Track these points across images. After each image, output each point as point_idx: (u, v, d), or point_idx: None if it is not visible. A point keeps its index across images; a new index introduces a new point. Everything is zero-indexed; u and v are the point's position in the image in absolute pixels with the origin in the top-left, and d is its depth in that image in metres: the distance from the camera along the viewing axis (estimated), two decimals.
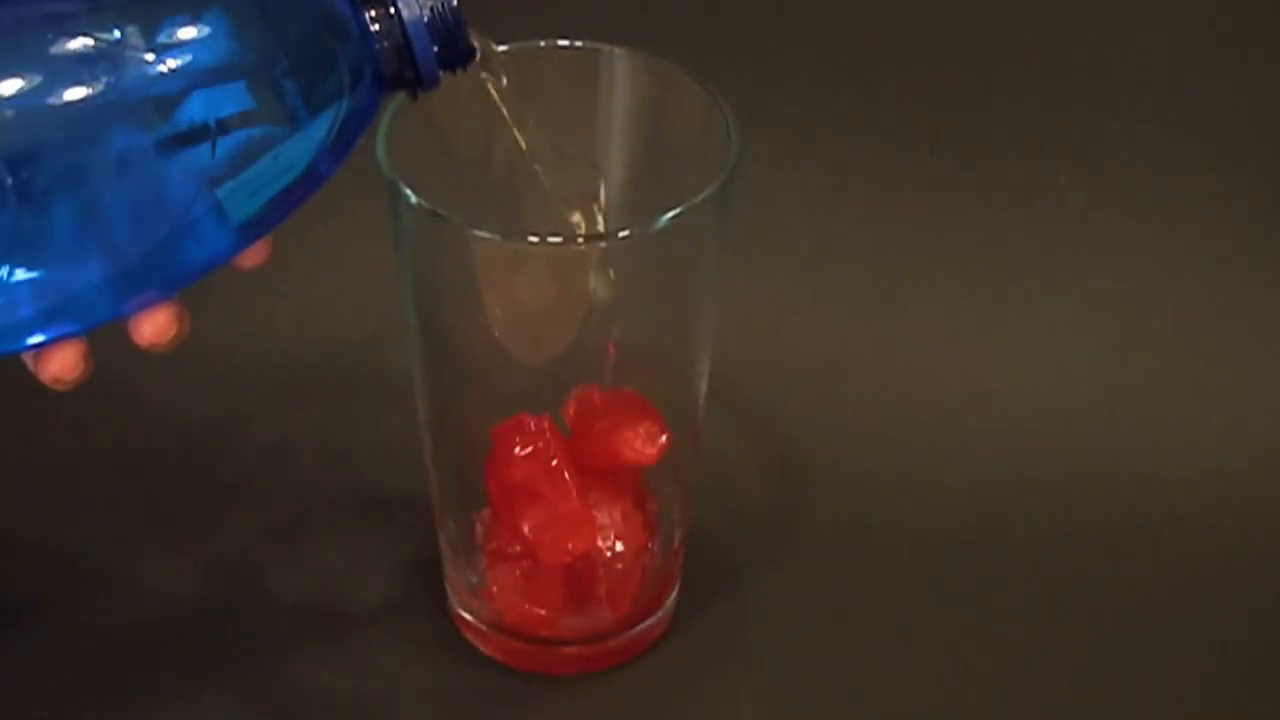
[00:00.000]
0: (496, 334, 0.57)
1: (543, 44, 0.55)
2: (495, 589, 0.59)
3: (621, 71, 0.56)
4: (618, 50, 0.56)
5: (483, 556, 0.59)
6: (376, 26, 0.47)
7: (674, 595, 0.62)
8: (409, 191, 0.51)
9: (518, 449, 0.56)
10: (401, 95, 0.51)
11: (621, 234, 0.52)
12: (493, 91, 0.52)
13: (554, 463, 0.56)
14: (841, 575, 0.64)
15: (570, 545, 0.56)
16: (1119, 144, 0.74)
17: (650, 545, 0.59)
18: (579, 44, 0.56)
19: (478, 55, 0.50)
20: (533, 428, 0.56)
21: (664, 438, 0.56)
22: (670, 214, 0.51)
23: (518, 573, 0.58)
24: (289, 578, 0.63)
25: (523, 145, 0.53)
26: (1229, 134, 0.74)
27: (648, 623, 0.61)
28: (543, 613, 0.58)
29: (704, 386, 0.58)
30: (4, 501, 0.65)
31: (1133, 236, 0.74)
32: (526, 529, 0.56)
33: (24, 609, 0.62)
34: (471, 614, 0.60)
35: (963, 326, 0.73)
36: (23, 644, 0.60)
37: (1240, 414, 0.70)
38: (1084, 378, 0.71)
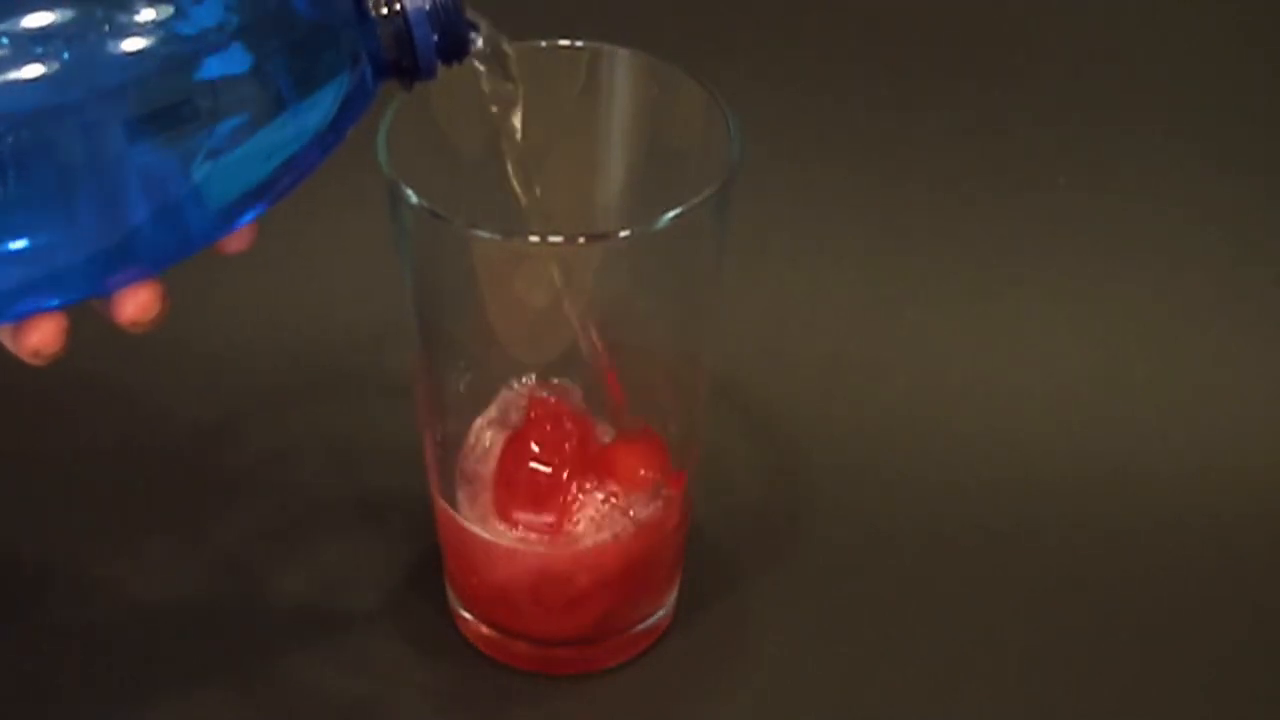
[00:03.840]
0: (497, 334, 0.57)
1: (543, 44, 0.55)
2: (489, 583, 0.59)
3: (622, 71, 0.56)
4: (618, 50, 0.56)
5: (479, 551, 0.59)
6: (376, 12, 0.47)
7: (674, 595, 0.62)
8: (409, 192, 0.51)
9: (539, 445, 0.56)
10: (402, 98, 0.51)
11: (621, 234, 0.52)
12: (486, 85, 0.52)
13: (566, 474, 0.56)
14: (842, 575, 0.64)
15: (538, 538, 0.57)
16: (1119, 144, 0.74)
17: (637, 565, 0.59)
18: (579, 44, 0.56)
19: (477, 46, 0.50)
20: (568, 427, 0.56)
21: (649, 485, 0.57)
22: (670, 214, 0.51)
23: (507, 568, 0.58)
24: (289, 578, 0.63)
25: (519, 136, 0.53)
26: (1229, 134, 0.74)
27: (648, 623, 0.61)
28: (525, 611, 0.59)
29: (704, 386, 0.58)
30: (3, 500, 0.65)
31: (1133, 237, 0.74)
32: (517, 518, 0.56)
33: (23, 607, 0.62)
34: (471, 614, 0.60)
35: (963, 326, 0.73)
36: (21, 642, 0.60)
37: (1240, 414, 0.70)
38: (1084, 378, 0.71)
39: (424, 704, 0.60)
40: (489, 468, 0.57)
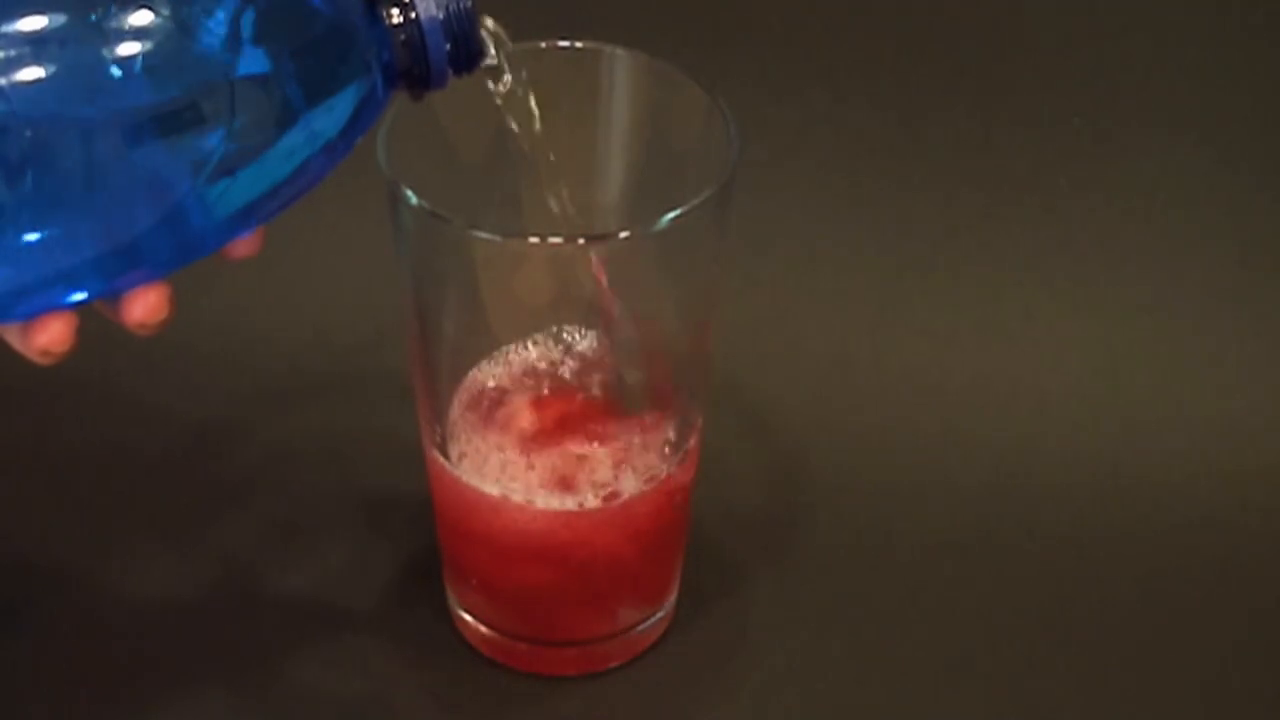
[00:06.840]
0: (496, 333, 0.57)
1: (543, 44, 0.55)
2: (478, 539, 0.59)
3: (622, 72, 0.56)
4: (618, 51, 0.56)
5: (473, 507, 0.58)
6: (390, 22, 0.47)
7: (674, 595, 0.62)
8: (409, 192, 0.51)
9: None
10: (402, 99, 0.51)
11: (622, 235, 0.52)
12: (498, 88, 0.52)
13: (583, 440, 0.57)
14: (842, 575, 0.64)
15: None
16: (1120, 146, 0.74)
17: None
18: (579, 44, 0.56)
19: (489, 53, 0.50)
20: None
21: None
22: (670, 215, 0.51)
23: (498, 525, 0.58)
24: (289, 578, 0.63)
25: (527, 146, 0.53)
26: (1230, 135, 0.74)
27: (648, 623, 0.61)
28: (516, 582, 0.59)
29: (705, 387, 0.58)
30: (3, 501, 0.65)
31: (1133, 238, 0.74)
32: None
33: (23, 609, 0.62)
34: (471, 614, 0.60)
35: (964, 327, 0.73)
36: (22, 644, 0.60)
37: (1240, 414, 0.70)
38: (1084, 379, 0.71)
39: (424, 704, 0.60)
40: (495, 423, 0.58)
